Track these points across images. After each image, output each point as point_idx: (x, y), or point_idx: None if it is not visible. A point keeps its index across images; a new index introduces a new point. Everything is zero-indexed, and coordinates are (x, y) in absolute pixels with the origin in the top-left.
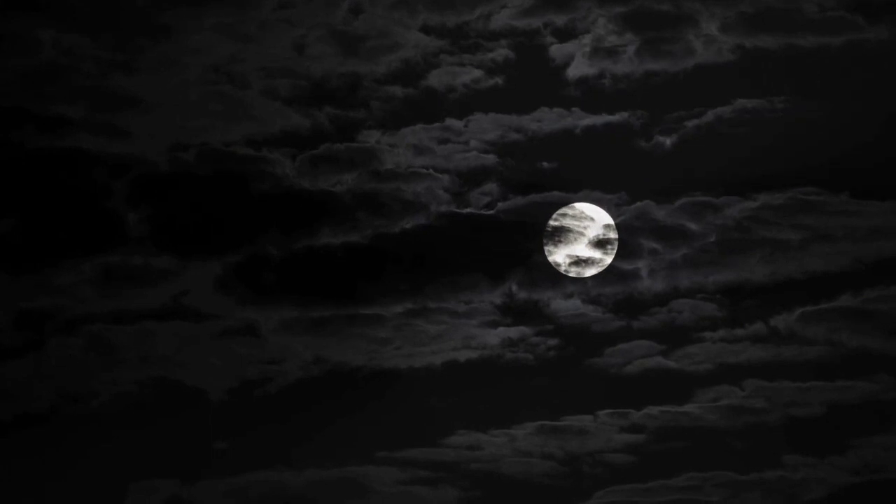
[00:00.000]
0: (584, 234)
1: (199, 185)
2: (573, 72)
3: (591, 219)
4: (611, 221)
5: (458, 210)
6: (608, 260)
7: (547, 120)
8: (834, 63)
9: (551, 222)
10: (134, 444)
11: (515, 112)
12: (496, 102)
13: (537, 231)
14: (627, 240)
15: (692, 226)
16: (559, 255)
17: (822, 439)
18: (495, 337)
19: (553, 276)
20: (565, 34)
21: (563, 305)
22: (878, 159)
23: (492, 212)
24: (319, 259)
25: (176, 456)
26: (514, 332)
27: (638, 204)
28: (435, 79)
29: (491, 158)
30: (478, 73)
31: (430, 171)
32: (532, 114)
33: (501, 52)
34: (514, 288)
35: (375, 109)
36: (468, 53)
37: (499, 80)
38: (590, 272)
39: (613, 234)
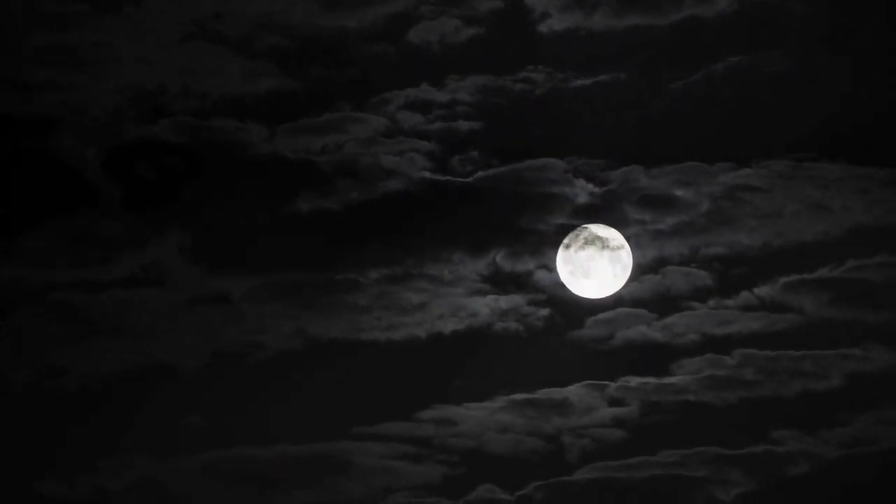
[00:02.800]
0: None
1: (173, 151)
2: (551, 27)
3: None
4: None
5: (439, 177)
6: (594, 229)
7: (530, 81)
8: (835, 15)
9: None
10: (105, 419)
11: (498, 73)
12: (479, 63)
13: (521, 198)
14: (614, 208)
15: (682, 193)
16: (544, 224)
17: (812, 413)
18: (485, 307)
19: (538, 244)
20: None
21: (548, 276)
22: (880, 122)
23: (474, 178)
24: (296, 227)
25: (148, 432)
26: (504, 301)
27: (624, 170)
28: (417, 36)
29: (473, 123)
30: (460, 28)
31: (412, 137)
32: (516, 74)
33: (487, 5)
34: (499, 257)
35: (357, 71)
36: (453, 7)
37: (482, 34)
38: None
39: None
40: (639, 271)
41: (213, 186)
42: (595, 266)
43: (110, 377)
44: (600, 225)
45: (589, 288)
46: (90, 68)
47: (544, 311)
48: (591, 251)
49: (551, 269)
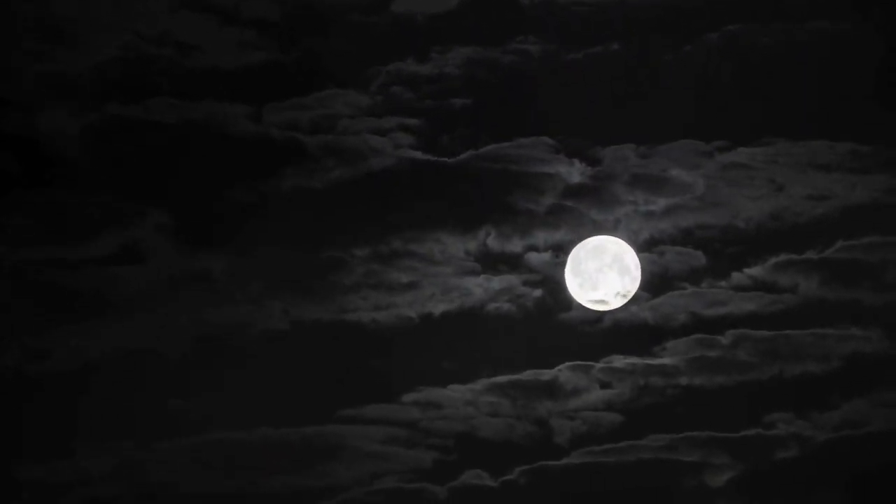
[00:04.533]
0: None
1: (157, 129)
2: None
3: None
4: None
5: (428, 156)
6: (585, 211)
7: (519, 53)
8: None
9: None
10: (86, 402)
11: (485, 44)
12: (466, 34)
13: (512, 177)
14: (606, 188)
15: (676, 173)
16: (535, 204)
17: (805, 396)
18: (477, 287)
19: (529, 225)
20: None
21: (538, 256)
22: (886, 99)
23: (463, 157)
24: (281, 205)
25: (129, 415)
26: (498, 281)
27: (618, 148)
28: (402, 6)
29: (462, 100)
30: None
31: (400, 114)
32: (504, 46)
33: None
34: (489, 237)
35: (344, 43)
36: None
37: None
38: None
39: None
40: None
41: (196, 165)
42: (604, 279)
43: (91, 359)
44: (610, 237)
45: (597, 300)
46: (68, 41)
47: (537, 292)
48: (599, 264)
49: (541, 249)
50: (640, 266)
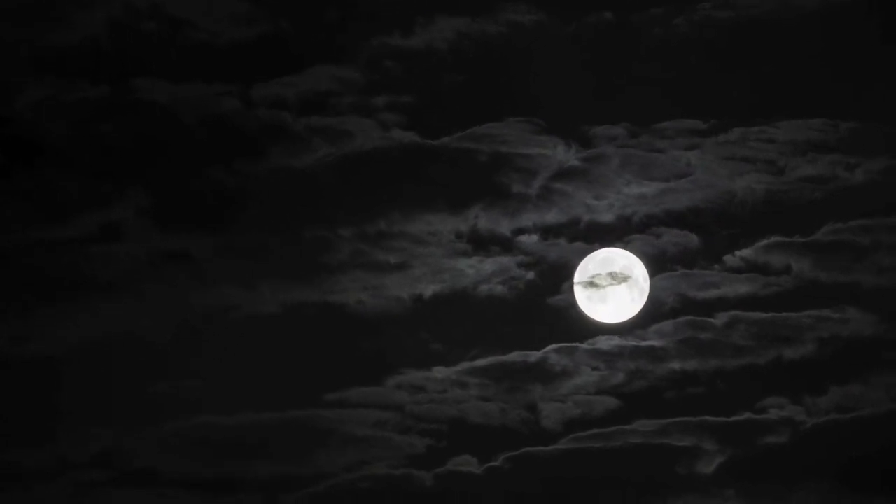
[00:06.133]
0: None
1: (144, 109)
2: None
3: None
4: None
5: (416, 136)
6: (576, 192)
7: (509, 25)
8: None
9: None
10: (67, 387)
11: (474, 15)
12: (453, 4)
13: (502, 158)
14: (598, 168)
15: (670, 153)
16: (525, 186)
17: (800, 379)
18: (470, 268)
19: (519, 207)
20: None
21: (528, 239)
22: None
23: (452, 137)
24: (267, 185)
25: (111, 400)
26: (490, 263)
27: (611, 127)
28: None
29: (451, 77)
30: None
31: (389, 93)
32: (494, 16)
33: None
34: (479, 219)
35: (333, 16)
36: None
37: None
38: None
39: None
40: (622, 233)
41: (181, 144)
42: (612, 291)
43: (73, 343)
44: (619, 249)
45: (605, 313)
46: (58, 15)
47: (530, 275)
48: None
49: (531, 231)
50: (648, 279)
